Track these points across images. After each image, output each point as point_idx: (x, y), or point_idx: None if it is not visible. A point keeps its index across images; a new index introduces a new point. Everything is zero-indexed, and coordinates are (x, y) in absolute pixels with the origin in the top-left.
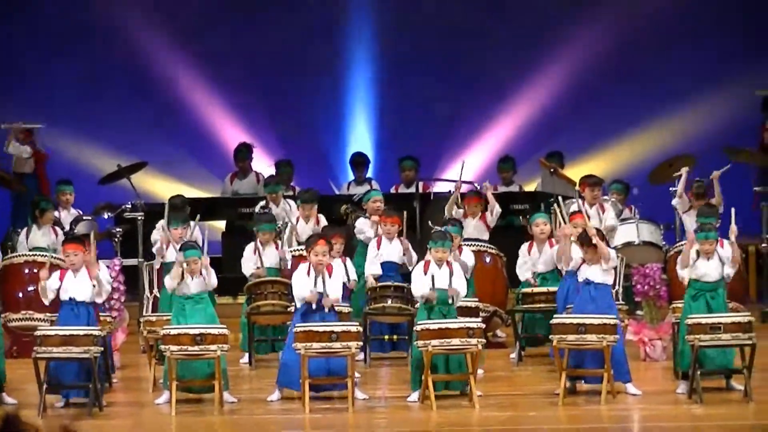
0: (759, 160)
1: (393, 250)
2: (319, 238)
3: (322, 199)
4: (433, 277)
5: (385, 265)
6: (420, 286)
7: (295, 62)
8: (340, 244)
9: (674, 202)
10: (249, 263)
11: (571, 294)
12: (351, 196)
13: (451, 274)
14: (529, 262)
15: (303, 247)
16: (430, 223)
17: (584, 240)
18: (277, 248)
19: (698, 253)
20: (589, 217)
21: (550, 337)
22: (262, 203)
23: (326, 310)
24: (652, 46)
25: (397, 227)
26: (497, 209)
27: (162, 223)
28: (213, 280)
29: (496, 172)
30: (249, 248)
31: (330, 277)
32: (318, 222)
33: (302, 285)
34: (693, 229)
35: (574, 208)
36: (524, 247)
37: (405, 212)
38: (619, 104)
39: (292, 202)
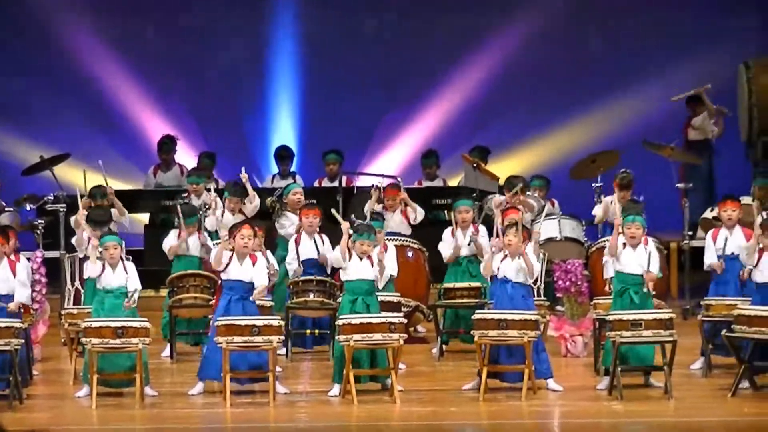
0: (682, 157)
1: (313, 245)
2: (245, 224)
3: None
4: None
5: (306, 261)
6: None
7: (219, 55)
8: (261, 237)
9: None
10: (171, 242)
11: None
12: (275, 189)
13: (371, 265)
14: (452, 243)
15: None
16: (353, 216)
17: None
18: (200, 237)
19: (624, 245)
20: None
21: (472, 332)
22: (185, 195)
23: (252, 299)
24: (574, 41)
25: (319, 220)
26: (420, 212)
27: None
28: (135, 282)
29: (419, 167)
30: (173, 233)
31: (254, 266)
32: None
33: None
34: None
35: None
36: (448, 230)
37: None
38: (542, 100)
39: (214, 194)
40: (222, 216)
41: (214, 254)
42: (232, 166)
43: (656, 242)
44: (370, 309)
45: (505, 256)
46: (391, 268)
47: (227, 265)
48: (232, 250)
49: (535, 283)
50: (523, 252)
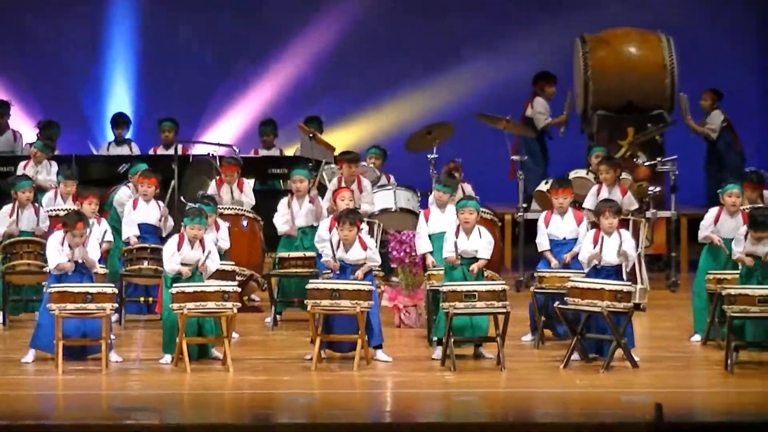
0: (517, 130)
1: (150, 211)
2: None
3: (81, 159)
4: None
5: (142, 226)
6: (169, 261)
7: (54, 22)
8: (95, 204)
9: None
10: (3, 224)
11: None
12: (111, 156)
13: (202, 250)
14: (288, 215)
15: (59, 208)
16: (182, 199)
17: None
18: (36, 211)
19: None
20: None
21: (305, 302)
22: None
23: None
24: (411, 13)
25: (154, 189)
26: (252, 201)
27: None
28: None
29: (257, 136)
30: (6, 209)
31: (85, 246)
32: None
33: (57, 253)
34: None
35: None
36: (284, 201)
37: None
38: (379, 70)
39: (54, 163)
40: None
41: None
42: (69, 134)
43: (490, 214)
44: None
45: (339, 242)
46: (224, 243)
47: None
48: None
49: None
50: (361, 241)
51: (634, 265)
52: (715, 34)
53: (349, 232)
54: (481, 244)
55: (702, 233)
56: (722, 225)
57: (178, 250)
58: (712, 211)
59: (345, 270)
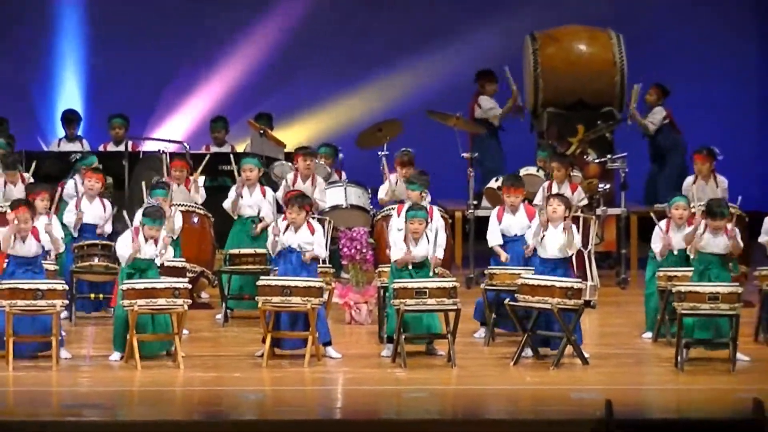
0: (467, 126)
1: (94, 210)
2: (20, 204)
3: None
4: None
5: (83, 225)
6: (123, 249)
7: (3, 16)
8: (47, 200)
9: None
10: None
11: None
12: (61, 153)
13: (155, 245)
14: (237, 199)
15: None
16: (147, 199)
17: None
18: None
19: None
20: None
21: (256, 298)
22: None
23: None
24: (360, 10)
25: (101, 185)
26: (202, 196)
27: None
28: None
29: (207, 132)
30: None
31: (37, 240)
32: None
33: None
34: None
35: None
36: (234, 188)
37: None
38: (329, 67)
39: None
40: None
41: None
42: (20, 130)
43: (441, 211)
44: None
45: (288, 226)
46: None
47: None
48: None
49: None
50: (308, 223)
51: (584, 263)
52: (661, 29)
53: (297, 215)
54: (431, 246)
55: (657, 246)
56: (672, 237)
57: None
58: (662, 224)
59: (292, 253)
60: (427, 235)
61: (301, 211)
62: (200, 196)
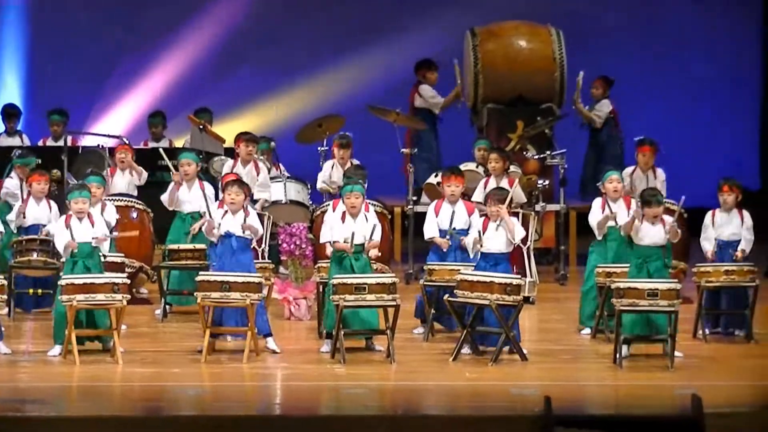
0: (407, 122)
1: (41, 210)
2: None
3: None
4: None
5: (32, 228)
6: (60, 239)
7: None
8: None
9: None
10: None
11: None
12: (1, 148)
13: (92, 225)
14: (176, 199)
15: None
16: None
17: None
18: None
19: (344, 214)
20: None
21: (195, 294)
22: None
23: None
24: (302, 3)
25: (46, 185)
26: (144, 175)
27: None
28: None
29: (146, 127)
30: None
31: None
32: None
33: None
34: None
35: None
36: (172, 185)
37: None
38: (270, 62)
39: None
40: None
41: None
42: None
43: (379, 207)
44: (91, 271)
45: (226, 212)
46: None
47: None
48: None
49: (259, 245)
50: (245, 210)
51: (523, 259)
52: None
53: (236, 196)
54: (369, 226)
55: (595, 220)
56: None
57: (66, 228)
58: (598, 201)
59: (230, 237)
60: (366, 216)
61: (240, 193)
62: (142, 179)
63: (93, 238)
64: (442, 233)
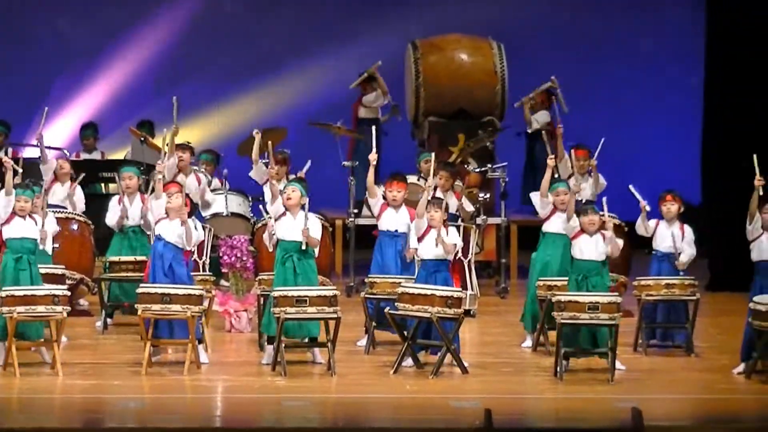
0: (349, 134)
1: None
2: None
3: None
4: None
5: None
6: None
7: None
8: None
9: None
10: None
11: None
12: None
13: (35, 223)
14: (120, 212)
15: None
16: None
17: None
18: None
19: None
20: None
21: (136, 306)
22: None
23: None
24: (245, 14)
25: None
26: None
27: None
28: None
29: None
30: None
31: None
32: None
33: None
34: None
35: None
36: (115, 198)
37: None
38: (212, 74)
39: None
40: None
41: None
42: None
43: (321, 219)
44: (33, 267)
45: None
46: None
47: None
48: None
49: (200, 257)
50: (184, 220)
51: (464, 272)
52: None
53: (177, 199)
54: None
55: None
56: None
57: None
58: (548, 210)
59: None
60: (306, 215)
61: (179, 195)
62: (80, 203)
63: (41, 230)
64: (388, 235)
